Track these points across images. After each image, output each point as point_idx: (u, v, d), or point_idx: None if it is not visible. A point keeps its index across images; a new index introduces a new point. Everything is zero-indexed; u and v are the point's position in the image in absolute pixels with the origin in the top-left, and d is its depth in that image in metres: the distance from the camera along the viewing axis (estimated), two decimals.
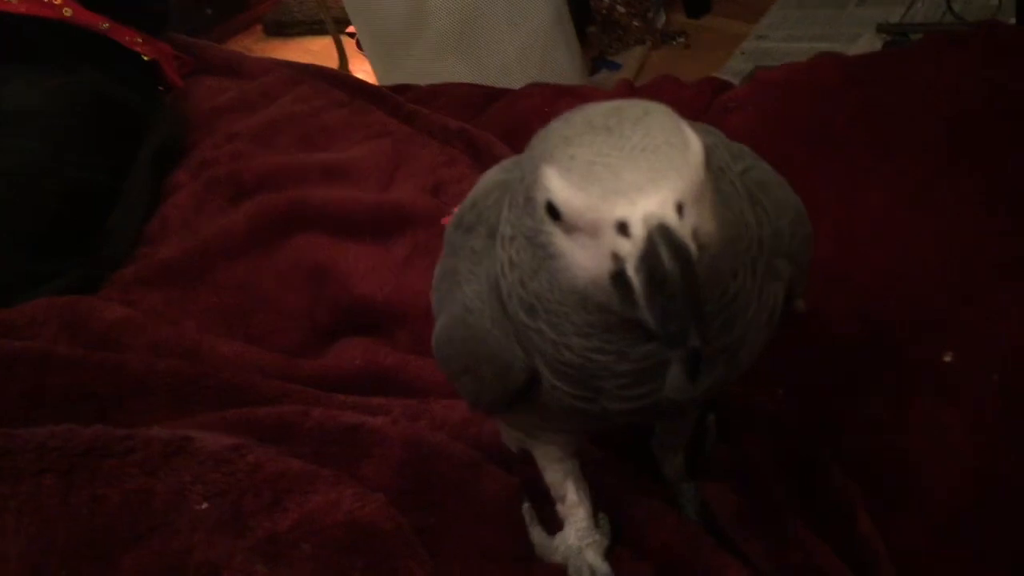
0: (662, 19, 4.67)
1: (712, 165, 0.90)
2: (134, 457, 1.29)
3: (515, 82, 2.80)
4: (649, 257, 0.82)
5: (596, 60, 4.49)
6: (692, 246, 0.83)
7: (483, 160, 2.29)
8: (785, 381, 1.54)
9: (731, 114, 2.11)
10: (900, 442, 1.42)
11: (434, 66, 3.54)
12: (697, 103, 2.25)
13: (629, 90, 2.47)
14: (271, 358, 1.88)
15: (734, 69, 3.89)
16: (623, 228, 0.83)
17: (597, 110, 0.87)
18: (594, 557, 1.32)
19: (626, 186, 0.82)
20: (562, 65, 3.78)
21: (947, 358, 1.48)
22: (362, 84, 2.81)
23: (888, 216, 1.76)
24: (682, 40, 4.50)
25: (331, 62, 4.83)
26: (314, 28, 5.68)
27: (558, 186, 0.85)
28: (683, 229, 0.82)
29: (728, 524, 1.33)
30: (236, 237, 2.20)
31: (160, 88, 2.83)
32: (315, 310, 2.08)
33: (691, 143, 0.85)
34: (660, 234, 0.81)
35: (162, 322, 2.01)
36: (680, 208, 0.82)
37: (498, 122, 2.42)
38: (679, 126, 0.86)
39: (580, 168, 0.84)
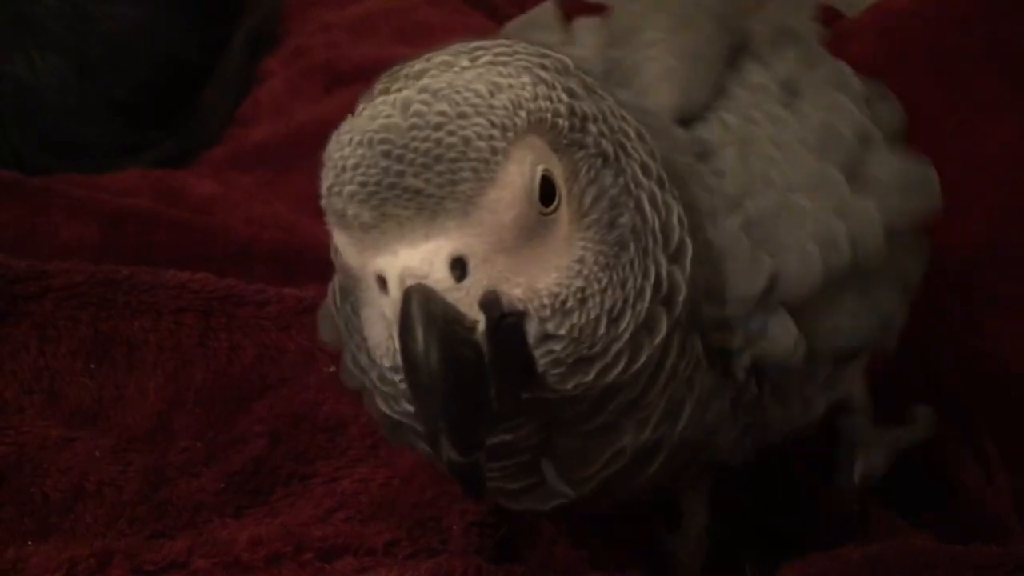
0: None
1: (580, 184, 0.73)
2: (269, 310, 1.29)
3: None
4: (402, 327, 0.66)
5: None
6: (474, 318, 0.66)
7: None
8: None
9: (850, 42, 2.06)
10: None
11: None
12: None
13: None
14: None
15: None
16: (383, 284, 0.68)
17: (387, 106, 0.70)
18: None
19: (390, 230, 0.66)
20: None
21: None
22: None
23: (1017, 148, 1.71)
24: None
25: None
26: None
27: (334, 228, 0.71)
28: (457, 293, 0.66)
29: None
30: (330, 124, 2.14)
31: None
32: None
33: (507, 164, 0.67)
34: (417, 300, 0.65)
35: (255, 201, 2.00)
36: (461, 264, 0.66)
37: None
38: (501, 128, 0.67)
39: (351, 206, 0.67)
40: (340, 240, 0.71)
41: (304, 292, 1.37)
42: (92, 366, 1.26)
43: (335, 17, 2.56)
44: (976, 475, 1.35)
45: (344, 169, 0.67)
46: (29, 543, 1.05)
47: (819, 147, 0.95)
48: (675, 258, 0.79)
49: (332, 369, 1.29)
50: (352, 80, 2.28)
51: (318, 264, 1.67)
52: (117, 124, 2.17)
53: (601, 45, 1.03)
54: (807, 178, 0.93)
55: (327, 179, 0.69)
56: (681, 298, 0.80)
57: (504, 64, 0.73)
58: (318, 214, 2.07)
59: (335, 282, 0.86)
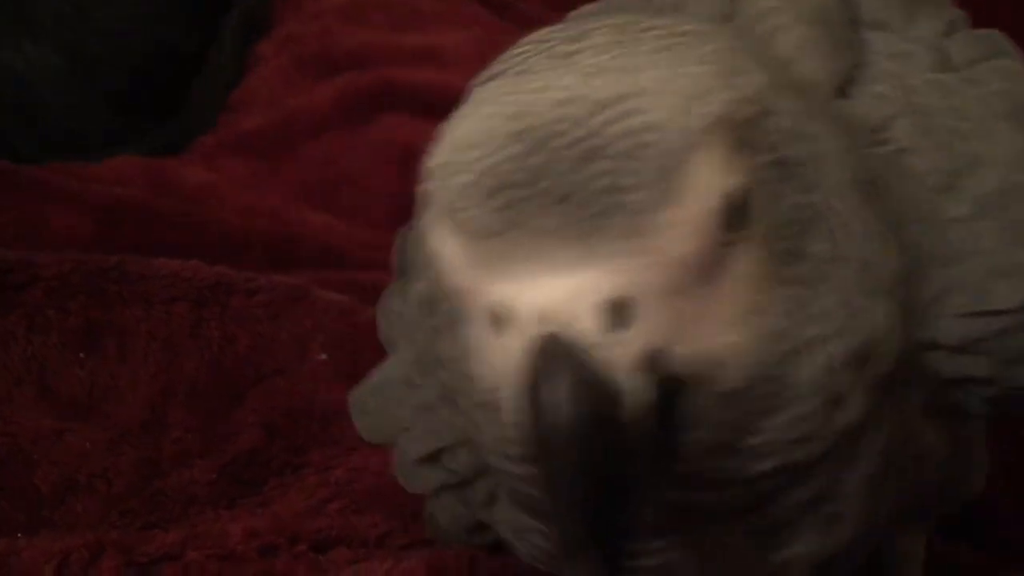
0: None
1: (762, 202, 0.52)
2: (260, 298, 1.29)
3: None
4: (534, 397, 0.46)
5: None
6: (629, 387, 0.46)
7: None
8: None
9: None
10: None
11: None
12: None
13: None
14: (361, 231, 1.86)
15: None
16: (498, 319, 0.48)
17: (531, 83, 0.52)
18: None
19: (523, 244, 0.46)
20: None
21: None
22: None
23: None
24: None
25: None
26: None
27: (437, 225, 0.53)
28: (614, 351, 0.46)
29: None
30: (322, 112, 2.18)
31: None
32: (401, 191, 2.05)
33: (692, 171, 0.47)
34: (563, 361, 0.45)
35: (247, 189, 1.99)
36: (622, 309, 0.46)
37: None
38: (683, 124, 0.48)
39: (466, 201, 0.48)
40: (444, 245, 0.52)
41: (295, 280, 1.37)
42: (82, 356, 1.26)
43: (327, 3, 2.53)
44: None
45: (461, 148, 0.49)
46: (19, 535, 1.05)
47: (1013, 115, 0.73)
48: (881, 302, 0.59)
49: (324, 357, 1.30)
50: (345, 67, 2.28)
51: (312, 252, 1.70)
52: (111, 114, 2.16)
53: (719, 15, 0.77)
54: (1016, 151, 0.71)
55: (439, 155, 0.51)
56: (887, 358, 0.59)
57: (679, 47, 0.54)
58: (310, 202, 2.08)
59: (418, 288, 0.66)
